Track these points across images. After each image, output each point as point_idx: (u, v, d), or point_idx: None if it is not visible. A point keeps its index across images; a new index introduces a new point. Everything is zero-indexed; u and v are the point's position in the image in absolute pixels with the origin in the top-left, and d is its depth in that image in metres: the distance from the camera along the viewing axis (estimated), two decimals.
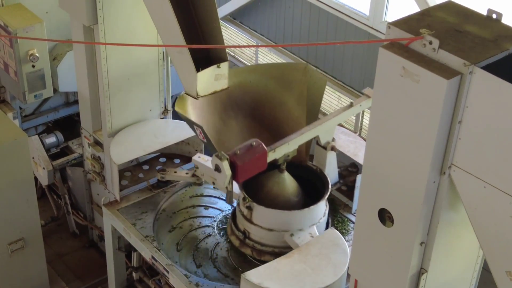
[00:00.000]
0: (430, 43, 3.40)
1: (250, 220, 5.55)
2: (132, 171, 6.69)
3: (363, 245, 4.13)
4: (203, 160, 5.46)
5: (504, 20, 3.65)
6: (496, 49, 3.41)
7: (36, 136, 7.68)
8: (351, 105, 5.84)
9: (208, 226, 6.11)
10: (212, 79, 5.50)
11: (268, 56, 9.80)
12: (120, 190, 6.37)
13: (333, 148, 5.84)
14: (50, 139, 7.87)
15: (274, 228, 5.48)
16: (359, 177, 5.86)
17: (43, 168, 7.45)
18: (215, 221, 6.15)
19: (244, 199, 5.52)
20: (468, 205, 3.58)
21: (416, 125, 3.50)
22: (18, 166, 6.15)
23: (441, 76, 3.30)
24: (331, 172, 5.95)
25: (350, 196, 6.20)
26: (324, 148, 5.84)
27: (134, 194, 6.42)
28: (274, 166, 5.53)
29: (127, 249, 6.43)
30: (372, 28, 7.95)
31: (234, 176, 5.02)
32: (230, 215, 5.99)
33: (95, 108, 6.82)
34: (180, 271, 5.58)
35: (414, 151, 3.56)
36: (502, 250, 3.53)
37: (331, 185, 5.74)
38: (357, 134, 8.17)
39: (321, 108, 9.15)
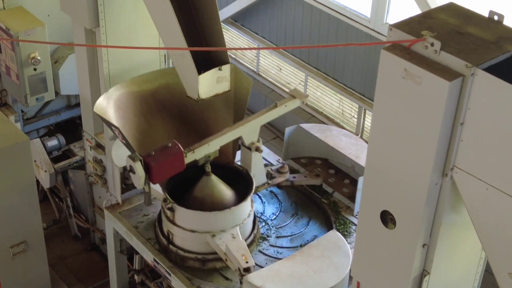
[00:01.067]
0: (432, 45, 3.40)
1: (173, 222, 5.53)
2: None
3: (366, 247, 4.13)
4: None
5: (506, 22, 3.65)
6: (498, 51, 3.41)
7: (38, 139, 7.69)
8: (275, 105, 5.75)
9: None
10: (213, 82, 5.50)
11: (269, 59, 9.81)
12: (122, 192, 6.36)
13: (257, 149, 5.75)
14: (52, 142, 7.87)
15: (196, 229, 5.43)
16: (361, 179, 5.85)
17: (45, 171, 7.45)
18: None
19: (165, 200, 5.49)
20: (471, 207, 3.58)
21: (418, 127, 3.50)
22: (20, 169, 6.14)
23: (443, 78, 3.30)
24: (258, 173, 5.87)
25: (352, 198, 6.19)
26: (249, 148, 5.76)
27: (136, 196, 6.41)
28: (202, 168, 5.50)
29: (129, 252, 6.42)
30: (373, 30, 7.96)
31: (149, 177, 4.97)
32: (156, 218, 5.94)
33: None
34: (182, 273, 5.57)
35: (416, 153, 3.56)
36: (504, 252, 3.52)
37: (258, 186, 5.73)
38: (359, 136, 8.18)
39: (322, 111, 9.20)
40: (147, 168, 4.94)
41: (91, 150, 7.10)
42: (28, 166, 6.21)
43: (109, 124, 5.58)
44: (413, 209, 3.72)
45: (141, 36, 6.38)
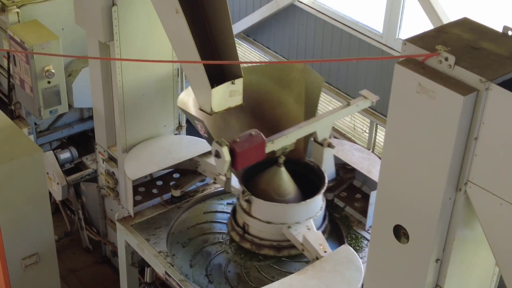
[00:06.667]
0: (446, 59, 3.40)
1: (249, 213, 5.74)
2: (146, 186, 6.70)
3: (378, 262, 4.11)
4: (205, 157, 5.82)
5: None
6: None
7: (51, 151, 7.72)
8: (348, 104, 6.03)
9: (221, 242, 6.11)
10: (226, 95, 5.53)
11: None
12: (134, 205, 6.38)
13: (329, 145, 5.97)
14: (65, 155, 7.90)
15: (272, 221, 5.66)
16: (373, 194, 5.85)
17: (57, 184, 7.48)
18: (228, 237, 6.14)
19: (243, 192, 5.70)
20: (484, 222, 3.56)
21: (432, 142, 3.49)
22: (33, 181, 6.17)
23: (457, 92, 3.30)
24: (328, 168, 6.07)
25: (364, 213, 6.19)
26: (321, 144, 5.96)
27: (148, 209, 6.44)
28: (273, 161, 5.73)
29: (140, 265, 6.44)
30: (385, 45, 7.96)
31: (233, 163, 5.16)
32: (230, 212, 6.17)
33: (109, 123, 6.85)
34: (193, 286, 5.57)
35: (430, 167, 3.55)
36: None
37: (328, 181, 5.90)
38: (370, 151, 8.17)
39: (334, 126, 9.17)
40: (231, 154, 5.14)
41: (103, 162, 7.13)
42: (40, 178, 6.24)
43: (192, 118, 5.78)
44: (426, 224, 3.70)
45: (155, 50, 6.42)
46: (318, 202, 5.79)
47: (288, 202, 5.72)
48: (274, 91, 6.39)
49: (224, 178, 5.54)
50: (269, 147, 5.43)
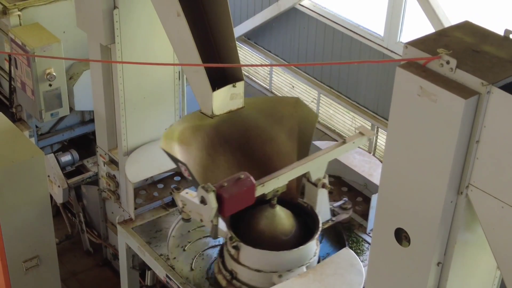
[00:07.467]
0: (448, 62, 3.40)
1: (237, 260, 5.41)
2: (146, 189, 6.71)
3: (379, 265, 4.11)
4: (190, 196, 5.17)
5: None
6: None
7: (52, 154, 7.73)
8: (344, 141, 5.67)
9: (222, 245, 6.10)
10: (227, 98, 5.53)
11: (282, 76, 9.83)
12: (135, 208, 6.38)
13: (324, 186, 5.64)
14: (66, 158, 7.92)
15: (262, 269, 5.33)
16: (374, 197, 5.85)
17: (58, 186, 7.48)
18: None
19: (231, 238, 5.36)
20: (486, 225, 3.56)
21: (433, 145, 3.49)
22: (34, 184, 6.17)
23: (458, 95, 3.30)
24: (323, 210, 5.75)
25: (365, 216, 6.18)
26: (315, 185, 5.65)
27: (149, 212, 6.44)
28: (266, 201, 5.38)
29: (141, 268, 6.43)
30: (386, 48, 7.97)
31: (220, 210, 4.79)
32: (218, 252, 5.84)
33: (110, 126, 6.86)
34: None
35: (432, 170, 3.55)
36: None
37: (322, 223, 5.59)
38: (372, 154, 8.17)
39: (335, 129, 9.20)
40: (219, 200, 4.77)
41: (104, 165, 7.13)
42: (42, 181, 6.23)
43: (176, 161, 5.44)
44: (427, 227, 3.70)
45: (156, 52, 6.42)
46: (311, 248, 5.43)
47: (284, 244, 5.33)
48: (265, 126, 5.99)
49: (210, 225, 5.03)
50: (260, 191, 5.05)
